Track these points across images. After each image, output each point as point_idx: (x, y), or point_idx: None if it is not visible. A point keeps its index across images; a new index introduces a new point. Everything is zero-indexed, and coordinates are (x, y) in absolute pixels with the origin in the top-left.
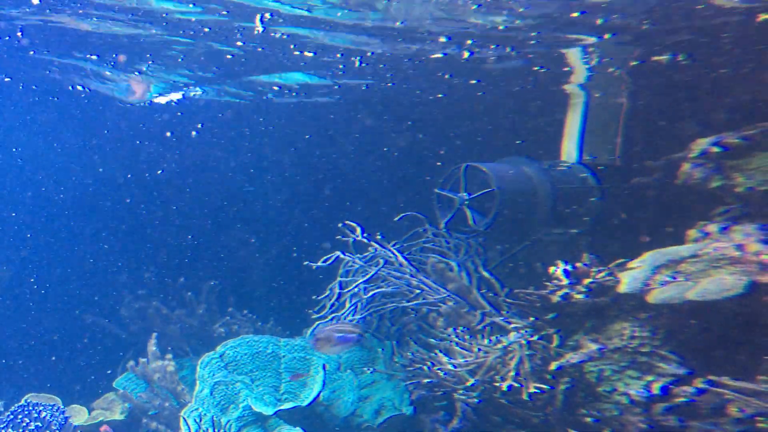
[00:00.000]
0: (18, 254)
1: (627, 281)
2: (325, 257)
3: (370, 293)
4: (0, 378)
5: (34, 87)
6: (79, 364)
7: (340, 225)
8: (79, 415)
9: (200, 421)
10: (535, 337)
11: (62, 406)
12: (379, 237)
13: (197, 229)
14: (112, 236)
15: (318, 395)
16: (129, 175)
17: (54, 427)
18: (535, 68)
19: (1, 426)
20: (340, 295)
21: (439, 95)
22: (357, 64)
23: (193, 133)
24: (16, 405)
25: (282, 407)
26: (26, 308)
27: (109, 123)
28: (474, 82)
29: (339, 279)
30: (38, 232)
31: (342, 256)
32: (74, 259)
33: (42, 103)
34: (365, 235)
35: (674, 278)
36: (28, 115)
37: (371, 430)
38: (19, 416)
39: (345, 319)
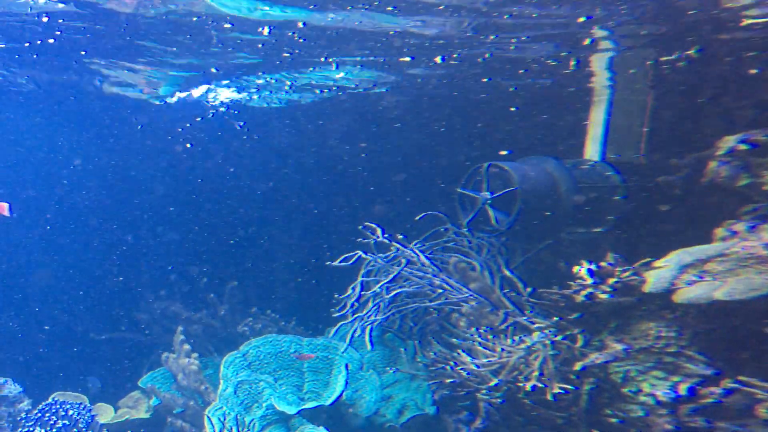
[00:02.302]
0: (42, 256)
1: (653, 281)
2: (346, 255)
3: (393, 293)
4: (28, 376)
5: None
6: (105, 363)
7: (360, 228)
8: (105, 414)
9: (224, 419)
10: (559, 337)
11: (89, 405)
12: (400, 237)
13: (219, 230)
14: (136, 238)
15: (341, 395)
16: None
17: (81, 425)
18: (568, 71)
19: (30, 423)
20: (360, 295)
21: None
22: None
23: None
24: (44, 403)
25: (305, 406)
26: (53, 308)
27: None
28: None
29: (360, 279)
30: (67, 236)
31: (364, 255)
32: (95, 259)
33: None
34: (386, 235)
35: (701, 278)
36: (47, 117)
37: (394, 430)
38: (47, 414)
39: (368, 318)
